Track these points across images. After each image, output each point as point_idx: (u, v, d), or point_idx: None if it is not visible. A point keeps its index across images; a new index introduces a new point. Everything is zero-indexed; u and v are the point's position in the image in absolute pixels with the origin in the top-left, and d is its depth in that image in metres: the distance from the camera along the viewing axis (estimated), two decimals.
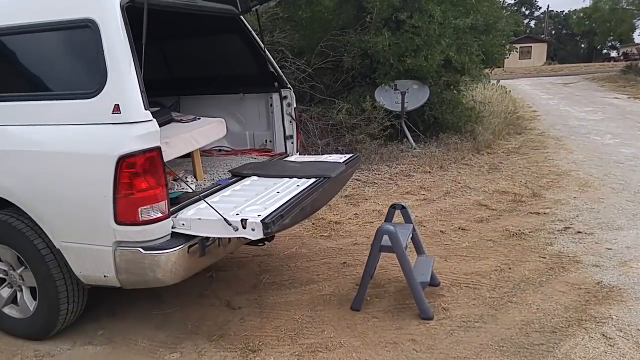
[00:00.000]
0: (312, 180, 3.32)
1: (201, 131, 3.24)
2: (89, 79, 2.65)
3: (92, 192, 2.61)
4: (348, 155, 4.06)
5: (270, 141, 4.41)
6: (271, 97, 4.28)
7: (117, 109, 2.57)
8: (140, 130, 2.55)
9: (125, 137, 2.54)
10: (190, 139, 3.10)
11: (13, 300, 3.18)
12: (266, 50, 4.11)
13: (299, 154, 4.43)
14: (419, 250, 3.73)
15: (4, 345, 3.12)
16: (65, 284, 2.94)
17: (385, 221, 3.72)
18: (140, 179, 2.56)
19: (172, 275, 2.69)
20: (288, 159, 4.13)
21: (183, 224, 2.73)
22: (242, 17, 3.95)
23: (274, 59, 8.58)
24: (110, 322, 3.39)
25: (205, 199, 2.85)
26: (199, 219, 2.69)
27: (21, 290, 3.12)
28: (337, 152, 7.66)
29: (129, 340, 3.17)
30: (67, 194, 2.70)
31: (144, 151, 2.56)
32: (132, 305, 3.59)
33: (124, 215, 2.60)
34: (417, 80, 8.52)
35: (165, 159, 2.85)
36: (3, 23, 2.87)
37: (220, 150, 4.46)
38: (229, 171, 3.62)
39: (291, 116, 4.28)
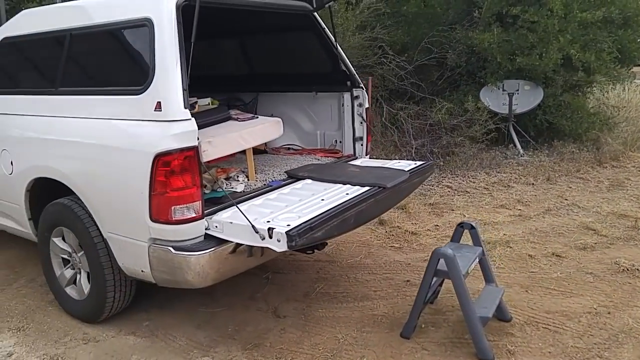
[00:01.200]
0: (366, 188, 3.03)
1: (252, 131, 3.12)
2: (139, 75, 2.67)
3: (132, 187, 2.62)
4: (419, 162, 3.68)
5: (340, 142, 4.18)
6: (343, 97, 4.05)
7: (159, 106, 2.54)
8: (177, 129, 2.50)
9: (163, 134, 2.51)
10: (238, 138, 2.99)
11: (74, 281, 3.36)
12: (339, 48, 3.87)
13: (369, 157, 4.15)
14: (488, 278, 3.24)
15: (60, 324, 3.32)
16: (112, 272, 3.02)
17: (451, 240, 3.30)
18: (175, 177, 2.51)
19: (201, 278, 2.61)
20: (353, 162, 3.87)
21: (216, 227, 2.63)
22: (316, 14, 3.76)
23: (374, 55, 8.44)
24: (158, 314, 3.44)
25: (238, 203, 2.72)
26: (231, 222, 2.57)
27: (80, 272, 3.28)
28: (431, 154, 7.18)
29: (168, 336, 3.18)
30: (112, 186, 2.75)
31: (180, 150, 2.50)
32: (183, 299, 3.62)
33: (158, 213, 2.57)
34: (529, 81, 7.65)
35: (208, 158, 2.80)
36: (76, 24, 3.02)
37: (289, 148, 4.34)
38: (285, 172, 3.46)
39: (362, 117, 4.01)
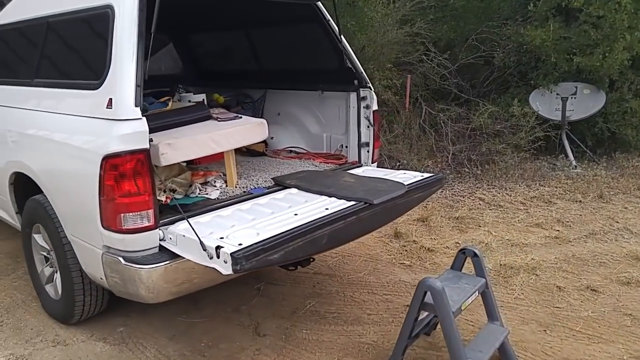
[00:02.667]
0: (350, 203, 2.68)
1: (227, 133, 2.84)
2: (98, 69, 2.46)
3: (86, 190, 2.43)
4: (427, 175, 3.26)
5: (346, 147, 3.83)
6: (349, 97, 3.69)
7: (110, 103, 2.33)
8: (126, 129, 2.27)
9: (111, 135, 2.29)
10: (207, 140, 2.72)
11: (53, 279, 3.25)
12: (344, 42, 3.52)
13: (376, 165, 3.77)
14: (491, 315, 2.80)
15: (37, 323, 3.23)
16: (81, 276, 2.86)
17: (452, 268, 2.88)
18: (124, 182, 2.29)
19: (153, 293, 2.39)
20: (355, 170, 3.50)
21: (171, 238, 2.39)
22: (319, 4, 3.43)
23: (415, 52, 7.93)
24: (136, 320, 3.27)
25: (207, 212, 2.46)
26: (184, 236, 2.31)
27: (57, 271, 3.16)
28: (469, 161, 6.63)
29: (138, 346, 3.00)
30: (71, 187, 2.58)
31: (129, 152, 2.27)
32: (167, 304, 3.39)
33: (107, 219, 2.36)
34: (589, 84, 6.88)
35: (167, 162, 2.56)
36: (50, 11, 2.87)
37: (291, 151, 4.04)
38: (272, 179, 3.17)
39: (369, 120, 3.63)
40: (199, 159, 3.43)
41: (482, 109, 6.90)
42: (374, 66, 7.67)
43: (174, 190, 2.77)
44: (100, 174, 2.29)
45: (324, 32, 3.54)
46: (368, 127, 3.66)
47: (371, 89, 3.61)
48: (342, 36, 3.47)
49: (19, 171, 3.03)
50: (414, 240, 4.57)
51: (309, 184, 3.03)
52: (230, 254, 2.03)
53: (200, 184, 2.93)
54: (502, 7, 7.85)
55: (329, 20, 3.48)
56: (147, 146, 2.29)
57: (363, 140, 3.69)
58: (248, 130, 2.98)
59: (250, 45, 4.31)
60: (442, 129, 7.19)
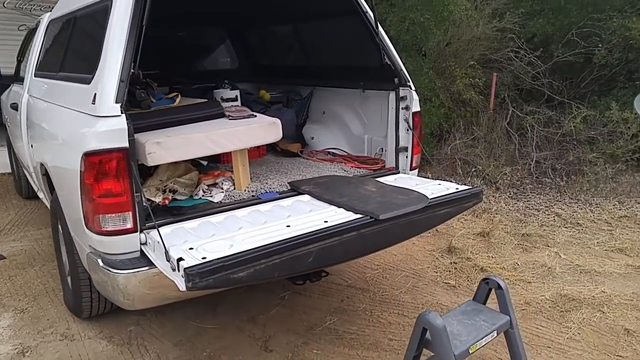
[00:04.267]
0: (355, 216, 2.34)
1: (228, 132, 2.62)
2: (93, 63, 2.37)
3: (75, 187, 2.35)
4: (462, 188, 2.80)
5: (385, 151, 3.45)
6: (388, 97, 3.31)
7: (94, 98, 2.22)
8: (104, 126, 2.14)
9: (91, 131, 2.18)
10: (204, 140, 2.51)
11: None
12: (380, 36, 3.14)
13: (416, 173, 3.35)
14: None
15: (54, 314, 3.27)
16: (86, 272, 2.83)
17: (473, 299, 2.42)
18: (101, 182, 2.17)
19: (131, 301, 2.25)
20: (386, 177, 3.13)
21: (149, 243, 2.23)
22: None
23: (505, 48, 7.17)
24: (149, 320, 3.20)
25: (180, 218, 2.28)
26: (158, 242, 2.14)
27: None
28: (553, 170, 5.84)
29: (141, 348, 2.91)
30: (66, 183, 2.52)
31: (107, 151, 2.14)
32: (183, 306, 3.33)
33: (88, 219, 2.27)
34: None
35: (156, 162, 2.40)
36: (77, 5, 2.88)
37: (328, 153, 3.75)
38: (288, 183, 2.92)
39: (408, 123, 3.22)
40: (225, 157, 3.30)
41: (574, 112, 6.05)
42: (456, 63, 7.10)
43: (175, 191, 2.62)
44: (80, 172, 2.20)
45: (363, 25, 3.19)
46: (407, 130, 3.26)
47: (412, 88, 3.20)
48: (378, 29, 3.10)
49: (41, 162, 3.09)
50: (468, 257, 4.06)
51: (324, 191, 2.73)
52: (185, 269, 1.81)
53: (207, 185, 2.75)
54: None
55: (367, 11, 3.13)
56: (126, 145, 2.14)
57: (401, 144, 3.29)
58: (256, 130, 2.74)
59: (298, 40, 4.09)
60: (528, 133, 6.43)
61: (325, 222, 2.28)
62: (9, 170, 6.16)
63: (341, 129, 3.83)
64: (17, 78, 4.59)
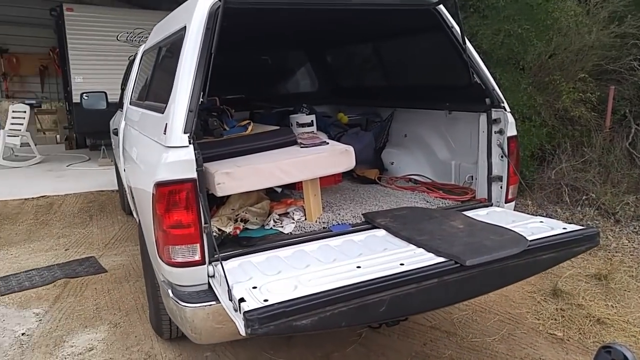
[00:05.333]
0: (437, 260, 2.08)
1: (298, 162, 2.48)
2: (167, 92, 2.39)
3: (150, 215, 2.36)
4: (572, 228, 2.40)
5: (477, 179, 3.13)
6: (479, 119, 3.00)
7: (165, 128, 2.22)
8: (172, 157, 2.13)
9: (163, 161, 2.17)
10: (274, 169, 2.40)
11: None
12: (468, 52, 2.86)
13: (512, 207, 2.98)
14: None
15: (141, 331, 3.34)
16: None
17: None
18: (170, 212, 2.14)
19: (198, 335, 2.19)
20: (476, 210, 2.81)
21: (217, 276, 2.16)
22: (441, 8, 2.86)
23: (625, 57, 6.37)
24: (224, 348, 3.13)
25: (249, 249, 2.19)
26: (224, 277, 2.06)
27: None
28: None
29: None
30: (144, 209, 2.55)
31: (175, 182, 2.12)
32: (257, 337, 3.24)
33: (159, 249, 2.25)
34: None
35: (225, 192, 2.35)
36: (162, 36, 2.97)
37: (410, 180, 3.49)
38: (362, 215, 2.72)
39: (502, 149, 2.89)
40: (299, 184, 3.20)
41: None
42: (561, 76, 6.45)
43: (246, 220, 2.55)
44: (152, 202, 2.19)
45: (449, 41, 2.94)
46: (502, 157, 2.92)
47: (506, 110, 2.87)
48: (466, 44, 2.83)
49: (130, 186, 3.21)
50: (580, 304, 3.54)
51: (402, 226, 2.50)
52: (244, 312, 1.69)
53: (279, 214, 2.66)
54: None
55: (453, 26, 2.87)
56: (194, 176, 2.10)
57: (494, 173, 2.95)
58: (327, 158, 2.59)
59: (379, 59, 3.93)
60: (636, 161, 5.62)
61: (402, 264, 2.06)
62: (117, 188, 6.67)
63: (425, 154, 3.57)
64: (120, 105, 4.92)
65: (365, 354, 3.06)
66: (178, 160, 2.10)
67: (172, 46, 2.61)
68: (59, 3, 8.97)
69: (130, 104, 3.89)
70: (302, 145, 2.71)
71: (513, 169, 2.89)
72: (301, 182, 2.80)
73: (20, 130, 9.07)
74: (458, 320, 3.42)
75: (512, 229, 2.38)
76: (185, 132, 2.11)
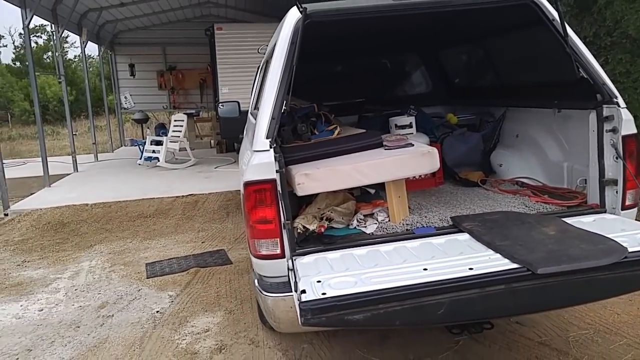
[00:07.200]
0: (510, 266, 1.98)
1: (376, 164, 2.49)
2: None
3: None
4: None
5: (588, 183, 2.82)
6: (589, 117, 2.71)
7: (254, 134, 2.46)
8: (256, 159, 2.36)
9: (250, 164, 2.41)
10: (352, 171, 2.45)
11: None
12: (572, 45, 2.60)
13: (633, 213, 2.63)
14: None
15: (252, 319, 3.64)
16: None
17: None
18: (256, 209, 2.38)
19: (278, 324, 2.40)
20: (578, 217, 2.54)
21: (292, 270, 2.33)
22: (537, 1, 2.66)
23: None
24: (321, 342, 3.27)
25: (330, 247, 2.30)
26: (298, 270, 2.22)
27: None
28: None
29: None
30: (242, 207, 2.83)
31: (258, 182, 2.34)
32: (357, 333, 3.33)
33: (248, 242, 2.50)
34: None
35: (305, 192, 2.50)
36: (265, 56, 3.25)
37: (516, 183, 3.26)
38: (450, 218, 2.66)
39: (616, 149, 2.57)
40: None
41: None
42: None
43: (331, 219, 2.68)
44: (242, 200, 2.45)
45: (551, 35, 2.72)
46: (616, 158, 2.60)
47: (619, 106, 2.55)
48: (568, 37, 2.58)
49: None
50: None
51: (487, 230, 2.40)
52: (300, 303, 1.82)
53: (364, 215, 2.73)
54: None
55: (554, 19, 2.65)
56: (273, 176, 2.30)
57: (608, 176, 2.65)
58: (406, 160, 2.57)
59: (486, 58, 3.74)
60: None
61: (470, 269, 1.99)
62: None
63: (536, 155, 3.32)
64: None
65: None
66: (260, 162, 2.33)
67: (268, 61, 2.86)
68: (212, 24, 10.16)
69: (250, 112, 4.31)
70: (386, 148, 2.75)
71: (629, 171, 2.55)
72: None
73: (179, 136, 10.46)
74: (574, 339, 3.11)
75: (614, 238, 2.13)
76: (267, 137, 2.33)
